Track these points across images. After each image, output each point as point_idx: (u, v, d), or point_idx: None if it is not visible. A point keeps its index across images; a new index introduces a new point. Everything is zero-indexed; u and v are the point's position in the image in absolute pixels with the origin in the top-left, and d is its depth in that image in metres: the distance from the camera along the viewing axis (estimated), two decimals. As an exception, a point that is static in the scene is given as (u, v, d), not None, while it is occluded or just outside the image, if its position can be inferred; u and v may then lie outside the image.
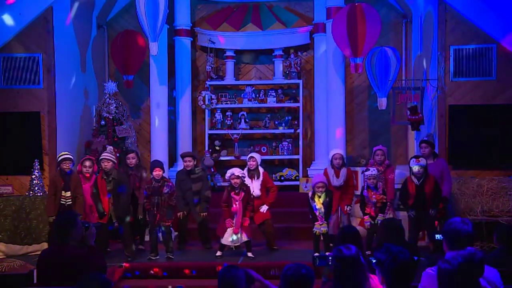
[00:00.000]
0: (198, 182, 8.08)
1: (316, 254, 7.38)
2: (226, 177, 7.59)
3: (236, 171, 7.50)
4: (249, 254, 7.46)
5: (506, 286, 3.84)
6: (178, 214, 7.90)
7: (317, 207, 7.39)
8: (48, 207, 7.47)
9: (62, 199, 7.37)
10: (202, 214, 8.01)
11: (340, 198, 7.89)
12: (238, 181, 7.41)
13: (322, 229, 7.40)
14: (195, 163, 8.19)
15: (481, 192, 7.86)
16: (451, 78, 8.49)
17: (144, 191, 7.55)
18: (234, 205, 7.37)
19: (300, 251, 7.92)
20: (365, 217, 7.52)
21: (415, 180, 7.34)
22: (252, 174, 7.97)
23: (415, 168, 7.31)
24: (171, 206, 7.43)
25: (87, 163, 7.65)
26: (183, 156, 8.21)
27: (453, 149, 8.41)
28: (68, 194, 7.37)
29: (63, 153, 7.62)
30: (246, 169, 8.02)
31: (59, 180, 7.39)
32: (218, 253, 7.51)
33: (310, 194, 7.54)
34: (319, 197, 7.39)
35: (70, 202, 7.37)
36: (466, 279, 3.18)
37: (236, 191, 7.40)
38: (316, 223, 7.45)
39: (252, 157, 8.04)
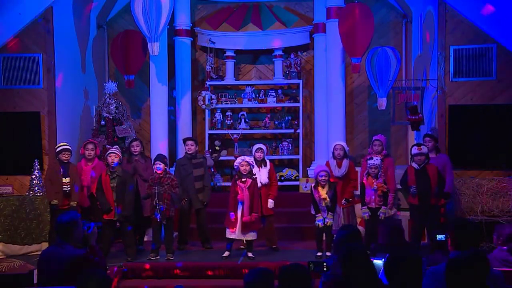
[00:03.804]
0: (199, 167, 8.07)
1: (319, 254, 7.46)
2: (235, 164, 7.49)
3: (247, 157, 7.49)
4: (250, 254, 7.45)
5: (507, 286, 3.84)
6: (182, 202, 7.88)
7: (321, 197, 7.35)
8: (48, 192, 7.70)
9: (64, 186, 7.54)
10: (204, 201, 7.98)
11: (342, 190, 7.82)
12: (247, 168, 7.35)
13: (327, 220, 7.36)
14: (197, 148, 8.23)
15: (481, 192, 7.85)
16: (451, 78, 8.49)
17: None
18: (240, 193, 7.28)
19: (300, 251, 7.93)
20: (362, 207, 7.48)
21: (415, 166, 7.34)
22: (260, 163, 7.94)
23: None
24: (172, 198, 7.37)
25: (90, 146, 8.01)
26: (185, 140, 8.24)
27: (453, 149, 8.41)
28: (68, 180, 7.58)
29: (61, 143, 7.81)
30: (252, 160, 8.01)
31: (57, 167, 7.60)
32: (226, 254, 7.43)
33: (312, 184, 7.53)
34: (323, 187, 7.38)
35: (70, 188, 7.56)
36: (475, 272, 3.17)
37: (243, 180, 7.32)
38: (318, 215, 7.42)
39: (260, 148, 8.02)
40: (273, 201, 7.87)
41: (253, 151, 8.06)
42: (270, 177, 7.94)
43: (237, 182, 7.34)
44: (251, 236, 7.40)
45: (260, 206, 7.50)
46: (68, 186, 7.55)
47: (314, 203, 7.48)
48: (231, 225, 7.34)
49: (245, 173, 7.35)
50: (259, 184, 7.82)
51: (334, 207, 7.48)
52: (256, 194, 7.43)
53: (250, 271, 3.56)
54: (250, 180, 7.33)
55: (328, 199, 7.34)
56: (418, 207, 7.37)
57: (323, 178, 7.37)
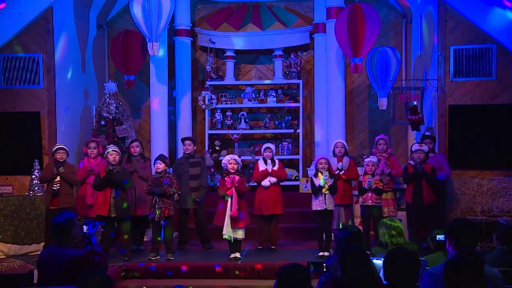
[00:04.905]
0: (196, 166, 8.12)
1: (320, 254, 7.46)
2: (223, 162, 7.53)
3: (235, 156, 7.53)
4: (237, 255, 7.37)
5: (506, 286, 3.84)
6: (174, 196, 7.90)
7: (320, 178, 7.37)
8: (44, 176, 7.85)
9: (54, 186, 7.57)
10: (196, 198, 7.98)
11: (342, 188, 7.82)
12: (235, 166, 7.38)
13: (326, 178, 7.36)
14: (195, 148, 8.27)
15: (481, 192, 7.87)
16: (451, 78, 8.50)
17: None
18: (227, 183, 7.27)
19: (300, 251, 7.93)
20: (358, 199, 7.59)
21: (412, 163, 7.47)
22: (269, 163, 7.98)
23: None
24: (171, 195, 7.37)
25: (92, 145, 8.06)
26: (184, 140, 8.29)
27: (453, 149, 8.42)
28: (58, 179, 7.60)
29: (57, 144, 7.93)
30: (261, 159, 8.03)
31: (52, 167, 7.68)
32: (238, 255, 7.35)
33: (313, 173, 7.58)
34: (322, 174, 7.42)
35: (59, 188, 7.59)
36: (474, 272, 3.18)
37: (230, 176, 7.33)
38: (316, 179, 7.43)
39: (268, 147, 8.05)
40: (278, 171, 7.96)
41: (262, 151, 8.10)
42: (280, 175, 7.97)
43: (225, 178, 7.35)
44: (240, 234, 7.37)
45: (245, 205, 7.47)
46: (58, 185, 7.57)
47: (313, 187, 7.48)
48: (220, 221, 7.35)
49: (232, 171, 7.36)
50: (268, 183, 7.84)
51: (334, 191, 7.48)
52: (244, 190, 7.40)
53: (284, 266, 3.50)
54: (237, 177, 7.33)
55: (328, 175, 7.37)
56: (412, 206, 7.43)
57: (323, 165, 7.41)
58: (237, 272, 6.93)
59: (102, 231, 7.26)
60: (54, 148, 7.79)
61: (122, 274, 6.95)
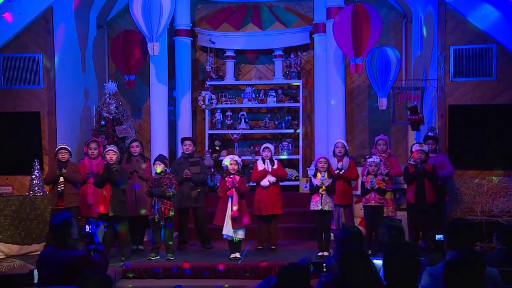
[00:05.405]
0: (195, 166, 8.15)
1: (319, 254, 7.47)
2: (223, 163, 7.56)
3: (235, 157, 7.54)
4: (237, 255, 7.38)
5: (506, 286, 3.84)
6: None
7: (319, 177, 7.38)
8: (48, 176, 7.86)
9: (58, 186, 7.59)
10: (192, 192, 8.00)
11: (342, 189, 7.83)
12: (236, 167, 7.41)
13: (323, 179, 7.37)
14: (194, 148, 8.30)
15: (481, 192, 7.87)
16: (451, 78, 8.49)
17: (135, 185, 7.86)
18: (228, 184, 7.30)
19: (300, 251, 7.93)
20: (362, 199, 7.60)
21: (413, 162, 7.48)
22: (267, 163, 8.01)
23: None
24: (170, 196, 7.39)
25: (93, 145, 8.08)
26: (184, 139, 8.33)
27: (453, 149, 8.41)
28: (61, 179, 7.62)
29: (59, 144, 7.97)
30: (260, 159, 8.04)
31: (55, 168, 7.73)
32: (238, 255, 7.35)
33: (312, 173, 7.57)
34: (320, 173, 7.43)
35: (63, 187, 7.61)
36: (474, 272, 3.18)
37: (231, 176, 7.37)
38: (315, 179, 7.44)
39: (267, 147, 8.07)
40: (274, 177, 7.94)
41: (261, 151, 8.12)
42: (279, 174, 7.98)
43: (226, 178, 7.38)
44: (240, 234, 7.37)
45: (246, 205, 7.49)
46: (62, 185, 7.60)
47: (311, 186, 7.50)
48: (220, 221, 7.35)
49: (233, 172, 7.38)
50: (267, 183, 7.85)
51: (333, 191, 7.48)
52: (244, 190, 7.42)
53: (284, 265, 3.53)
54: (238, 177, 7.35)
55: (326, 175, 7.39)
56: (415, 206, 7.42)
57: (322, 165, 7.42)
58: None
59: (104, 230, 7.26)
60: (56, 149, 7.82)
61: (122, 274, 6.95)
